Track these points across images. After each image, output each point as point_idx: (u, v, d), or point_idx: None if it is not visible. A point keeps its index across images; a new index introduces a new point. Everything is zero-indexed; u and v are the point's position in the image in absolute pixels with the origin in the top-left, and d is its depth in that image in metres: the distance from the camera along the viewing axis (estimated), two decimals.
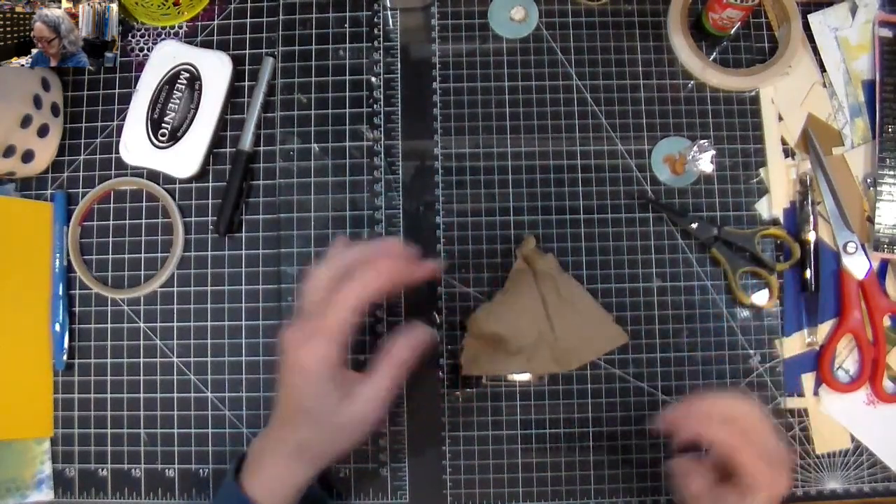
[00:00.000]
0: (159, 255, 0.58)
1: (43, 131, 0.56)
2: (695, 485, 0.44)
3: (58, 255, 0.57)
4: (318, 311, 0.42)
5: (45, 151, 0.57)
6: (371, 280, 0.42)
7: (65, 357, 0.56)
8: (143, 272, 0.58)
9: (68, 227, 0.58)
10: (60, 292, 0.57)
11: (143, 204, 0.59)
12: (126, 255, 0.58)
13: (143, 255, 0.58)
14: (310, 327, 0.42)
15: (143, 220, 0.58)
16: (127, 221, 0.58)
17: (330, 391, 0.42)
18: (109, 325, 0.57)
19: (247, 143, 0.58)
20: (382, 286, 0.43)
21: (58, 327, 0.56)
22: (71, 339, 0.57)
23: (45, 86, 0.57)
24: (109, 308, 0.58)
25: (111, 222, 0.58)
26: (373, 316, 0.57)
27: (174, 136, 0.57)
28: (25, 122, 0.54)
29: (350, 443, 0.44)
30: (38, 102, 0.55)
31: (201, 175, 0.58)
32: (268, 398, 0.56)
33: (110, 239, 0.58)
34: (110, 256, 0.58)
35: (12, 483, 0.55)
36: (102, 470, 0.56)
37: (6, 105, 0.52)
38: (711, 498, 0.43)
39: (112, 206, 0.59)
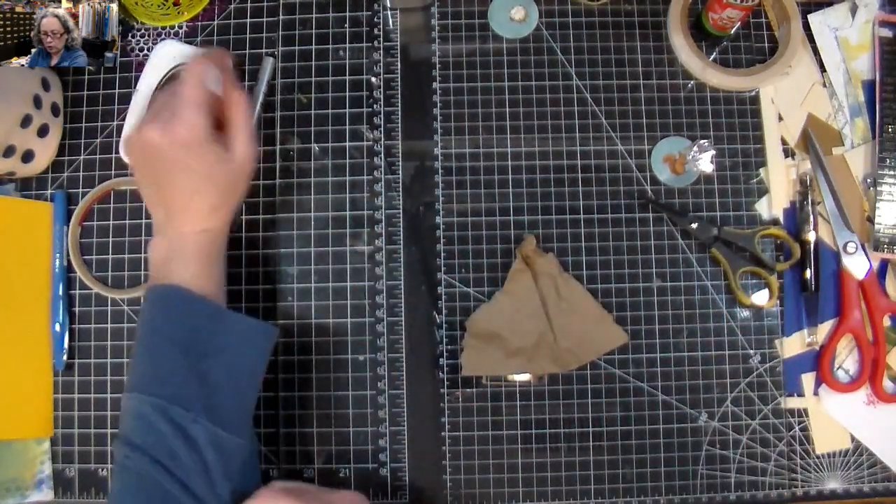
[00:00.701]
0: None
1: (43, 131, 0.56)
2: None
3: (58, 255, 0.57)
4: (168, 102, 0.46)
5: (45, 151, 0.57)
6: (197, 65, 0.47)
7: (65, 357, 0.56)
8: (143, 272, 0.58)
9: (68, 227, 0.58)
10: (60, 292, 0.57)
11: (143, 204, 0.59)
12: (126, 255, 0.58)
13: (143, 255, 0.58)
14: (166, 112, 0.46)
15: (143, 221, 0.58)
16: (127, 221, 0.58)
17: (216, 149, 0.46)
18: (109, 325, 0.57)
19: None
20: (209, 67, 0.47)
21: (58, 327, 0.56)
22: (71, 339, 0.57)
23: (45, 86, 0.57)
24: (109, 308, 0.57)
25: (111, 222, 0.58)
26: (373, 316, 0.57)
27: None
28: (25, 122, 0.54)
29: (246, 181, 0.49)
30: (38, 102, 0.55)
31: None
32: (267, 398, 0.56)
33: (110, 239, 0.58)
34: (110, 256, 0.58)
35: (12, 483, 0.55)
36: (102, 470, 0.56)
37: (6, 105, 0.52)
38: None
39: (112, 206, 0.59)
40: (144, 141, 0.46)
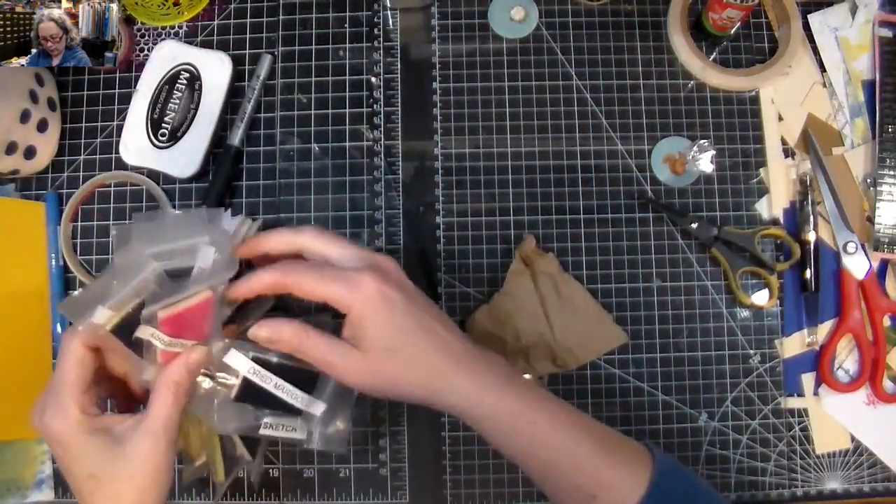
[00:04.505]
0: None
1: (42, 126, 0.56)
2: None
3: (53, 255, 0.57)
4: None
5: (47, 147, 0.57)
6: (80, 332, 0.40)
7: None
8: None
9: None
10: (59, 292, 0.57)
11: (144, 203, 0.59)
12: None
13: None
14: (43, 395, 0.40)
15: (137, 210, 0.58)
16: (127, 222, 0.58)
17: (99, 444, 0.39)
18: None
19: (236, 138, 0.57)
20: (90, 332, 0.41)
21: (59, 328, 0.56)
22: None
23: (40, 81, 0.57)
24: None
25: (110, 222, 0.58)
26: None
27: (174, 136, 0.57)
28: (24, 117, 0.54)
29: (151, 479, 0.39)
30: (34, 97, 0.55)
31: (201, 175, 0.58)
32: None
33: (110, 240, 0.58)
34: (106, 257, 0.58)
35: (13, 483, 0.55)
36: None
37: (5, 101, 0.52)
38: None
39: (112, 206, 0.59)
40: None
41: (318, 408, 0.43)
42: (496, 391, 0.41)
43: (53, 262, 0.57)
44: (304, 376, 0.42)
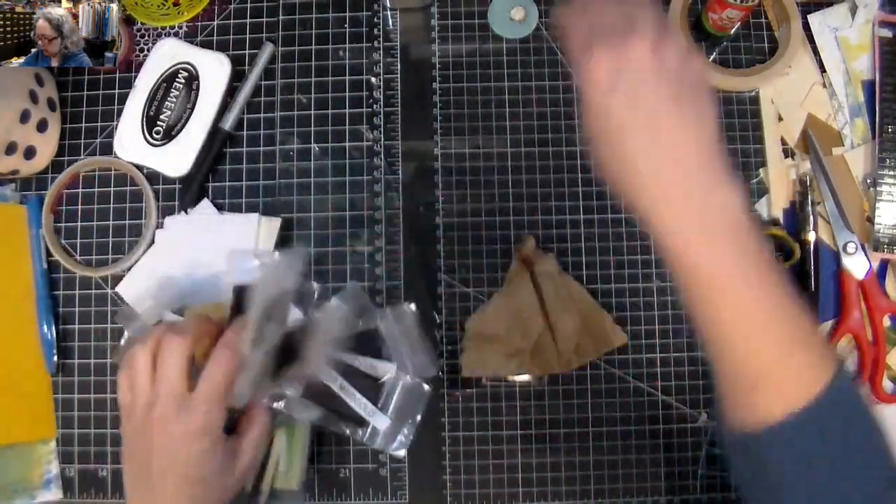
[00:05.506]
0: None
1: (42, 126, 0.56)
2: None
3: (37, 258, 0.57)
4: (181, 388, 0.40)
5: (46, 147, 0.57)
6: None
7: (55, 359, 0.56)
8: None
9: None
10: (44, 294, 0.57)
11: (143, 205, 0.59)
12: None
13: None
14: (186, 391, 0.40)
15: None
16: (112, 222, 0.58)
17: (227, 450, 0.41)
18: (109, 326, 0.57)
19: (228, 122, 0.58)
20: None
21: (45, 329, 0.56)
22: (69, 339, 0.57)
23: (39, 81, 0.57)
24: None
25: (111, 222, 0.58)
26: None
27: (168, 135, 0.57)
28: (24, 117, 0.54)
29: (231, 491, 0.42)
30: (34, 97, 0.55)
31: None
32: None
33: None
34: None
35: (19, 484, 0.55)
36: (102, 470, 0.56)
37: (5, 101, 0.52)
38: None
39: (112, 206, 0.59)
40: (153, 419, 0.40)
41: (382, 422, 0.47)
42: (717, 238, 0.35)
43: (38, 265, 0.57)
44: (370, 383, 0.43)
